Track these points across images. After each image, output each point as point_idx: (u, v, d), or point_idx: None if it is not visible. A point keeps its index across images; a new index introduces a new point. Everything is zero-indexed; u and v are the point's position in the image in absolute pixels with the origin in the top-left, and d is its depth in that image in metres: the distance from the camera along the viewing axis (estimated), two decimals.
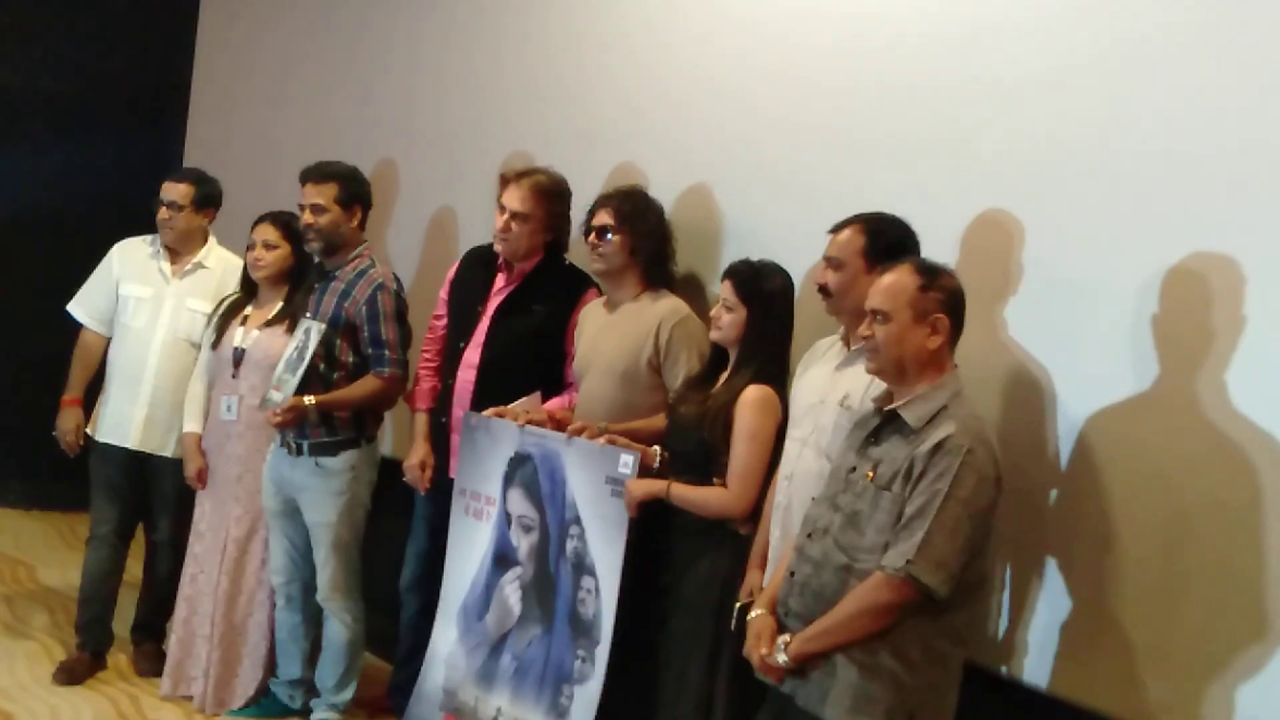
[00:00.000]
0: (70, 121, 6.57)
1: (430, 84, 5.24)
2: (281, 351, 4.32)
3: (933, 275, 2.85)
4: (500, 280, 4.16)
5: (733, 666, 3.31)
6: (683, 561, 3.47)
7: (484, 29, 5.00)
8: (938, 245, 3.29)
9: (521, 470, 3.79)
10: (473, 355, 4.11)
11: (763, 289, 3.46)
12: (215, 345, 4.49)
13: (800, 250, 3.67)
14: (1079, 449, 3.10)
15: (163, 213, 4.67)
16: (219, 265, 4.77)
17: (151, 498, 4.75)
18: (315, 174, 4.25)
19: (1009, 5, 3.35)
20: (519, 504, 3.79)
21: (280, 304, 4.45)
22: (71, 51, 6.72)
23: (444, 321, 4.33)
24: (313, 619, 4.41)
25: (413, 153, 5.33)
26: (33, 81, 6.62)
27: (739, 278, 3.49)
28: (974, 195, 3.36)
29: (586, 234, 3.87)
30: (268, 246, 4.44)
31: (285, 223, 4.47)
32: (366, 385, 4.19)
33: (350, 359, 4.19)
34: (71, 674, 4.64)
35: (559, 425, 3.79)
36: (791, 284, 3.51)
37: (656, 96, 4.28)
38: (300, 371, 4.13)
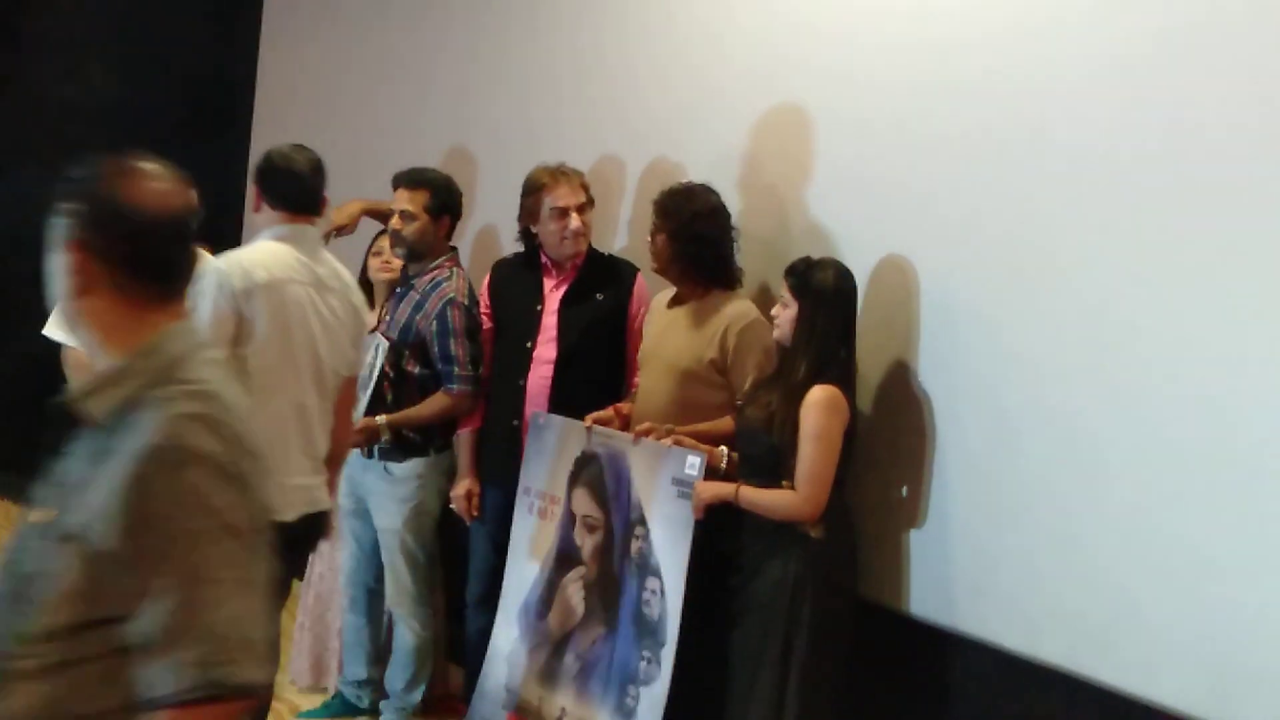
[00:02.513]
0: (136, 132, 6.76)
1: (486, 88, 5.34)
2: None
3: None
4: (551, 279, 4.25)
5: (803, 671, 3.37)
6: (753, 564, 3.50)
7: (537, 35, 5.10)
8: (992, 240, 3.39)
9: (587, 470, 3.86)
10: (546, 351, 4.20)
11: (814, 283, 3.50)
12: None
13: (865, 248, 3.75)
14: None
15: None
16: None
17: None
18: (408, 179, 4.34)
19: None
20: (584, 503, 3.86)
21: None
22: (136, 63, 6.91)
23: (488, 328, 4.38)
24: (377, 621, 4.52)
25: (469, 159, 5.44)
26: (99, 93, 6.83)
27: (793, 273, 3.54)
28: (1038, 191, 3.39)
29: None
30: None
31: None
32: (436, 403, 4.27)
33: (418, 371, 4.28)
34: None
35: (625, 424, 3.89)
36: (849, 280, 3.54)
37: (709, 98, 4.35)
38: (369, 390, 4.26)
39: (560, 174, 4.21)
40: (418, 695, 4.45)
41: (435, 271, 4.32)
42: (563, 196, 4.17)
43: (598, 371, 4.10)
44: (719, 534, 3.55)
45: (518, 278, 4.34)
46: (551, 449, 3.98)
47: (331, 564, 4.72)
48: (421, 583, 4.39)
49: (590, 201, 4.23)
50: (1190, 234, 3.09)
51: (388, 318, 4.35)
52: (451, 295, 4.26)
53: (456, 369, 4.24)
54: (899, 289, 3.69)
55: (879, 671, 3.72)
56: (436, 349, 4.24)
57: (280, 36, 6.90)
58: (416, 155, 5.65)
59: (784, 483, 3.45)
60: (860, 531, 3.71)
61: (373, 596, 4.49)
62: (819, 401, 3.42)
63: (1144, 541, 3.14)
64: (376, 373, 4.28)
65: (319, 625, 4.76)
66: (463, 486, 4.33)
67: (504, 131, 5.24)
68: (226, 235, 6.87)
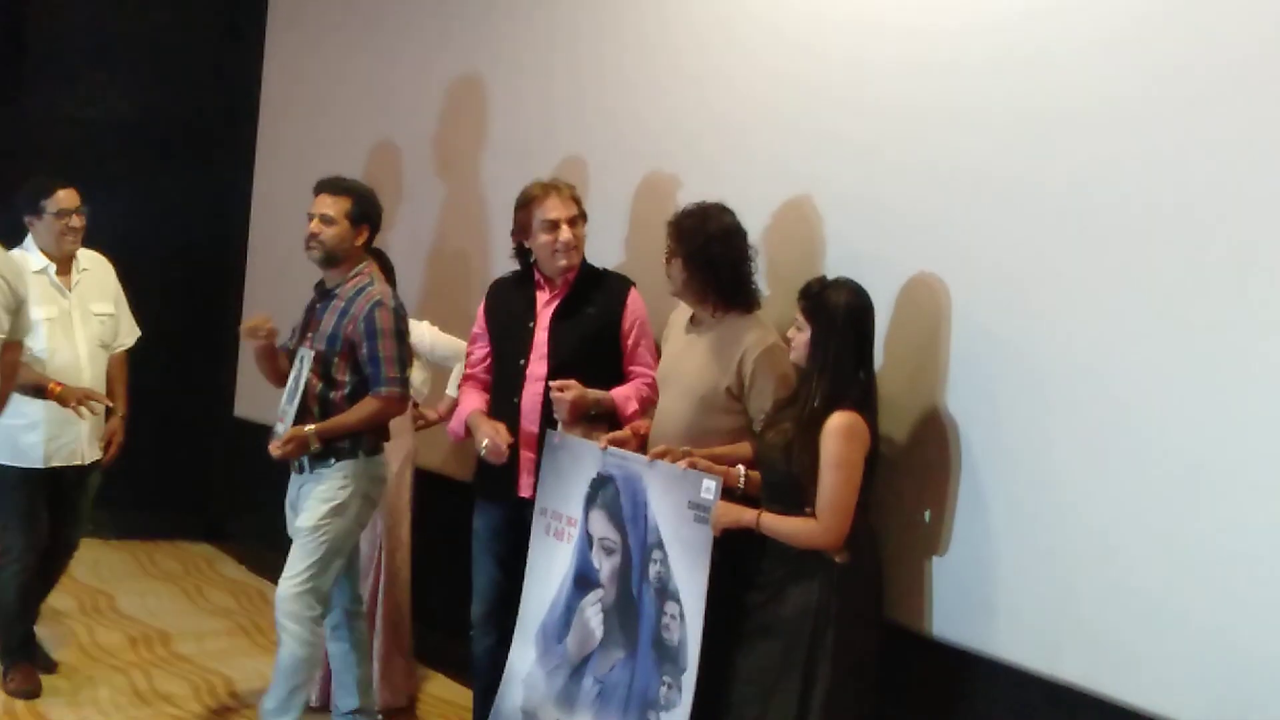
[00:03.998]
0: (140, 147, 6.87)
1: (487, 109, 5.41)
2: None
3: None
4: (544, 295, 4.27)
5: (828, 699, 3.40)
6: (775, 585, 3.52)
7: (536, 50, 5.18)
8: (1022, 263, 3.42)
9: (603, 491, 3.89)
10: (538, 367, 4.20)
11: (826, 304, 3.50)
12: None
13: (892, 270, 3.78)
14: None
15: (75, 221, 4.86)
16: (93, 264, 4.99)
17: (74, 508, 4.96)
18: (331, 186, 4.38)
19: (1075, 26, 3.42)
20: (601, 526, 3.89)
21: None
22: (141, 78, 7.00)
23: (485, 350, 4.41)
24: (361, 645, 4.51)
25: (469, 181, 5.49)
26: (105, 115, 6.92)
27: (806, 295, 3.55)
28: (1069, 215, 3.42)
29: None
30: None
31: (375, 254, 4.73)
32: (365, 408, 4.28)
33: (348, 378, 4.28)
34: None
35: (642, 444, 3.91)
36: (863, 301, 3.53)
37: (709, 120, 4.41)
38: (296, 401, 4.28)
39: (551, 187, 4.25)
40: (291, 718, 4.31)
41: (357, 279, 4.35)
42: (553, 209, 4.19)
43: (590, 386, 4.10)
44: (738, 555, 3.57)
45: (512, 295, 4.37)
46: (567, 470, 4.01)
47: None
48: (312, 589, 4.27)
49: (582, 215, 4.24)
50: (1204, 254, 3.12)
51: (311, 332, 4.36)
52: (379, 298, 4.29)
53: (384, 370, 4.26)
54: (928, 310, 3.72)
55: (902, 694, 3.75)
56: (365, 351, 4.25)
57: (284, 52, 6.99)
58: (414, 170, 5.74)
59: (806, 510, 3.46)
60: (883, 554, 3.75)
61: (353, 619, 4.49)
62: (838, 428, 3.42)
63: (1169, 563, 3.17)
64: (302, 384, 4.28)
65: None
66: (485, 433, 4.21)
67: (500, 146, 5.31)
68: (232, 246, 6.98)
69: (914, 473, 3.76)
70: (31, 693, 4.84)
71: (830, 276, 3.65)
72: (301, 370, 4.32)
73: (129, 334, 5.16)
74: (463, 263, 5.50)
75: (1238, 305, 3.06)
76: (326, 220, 4.34)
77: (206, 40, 7.18)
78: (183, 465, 6.80)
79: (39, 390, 4.58)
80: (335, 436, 4.27)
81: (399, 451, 4.82)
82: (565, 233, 4.19)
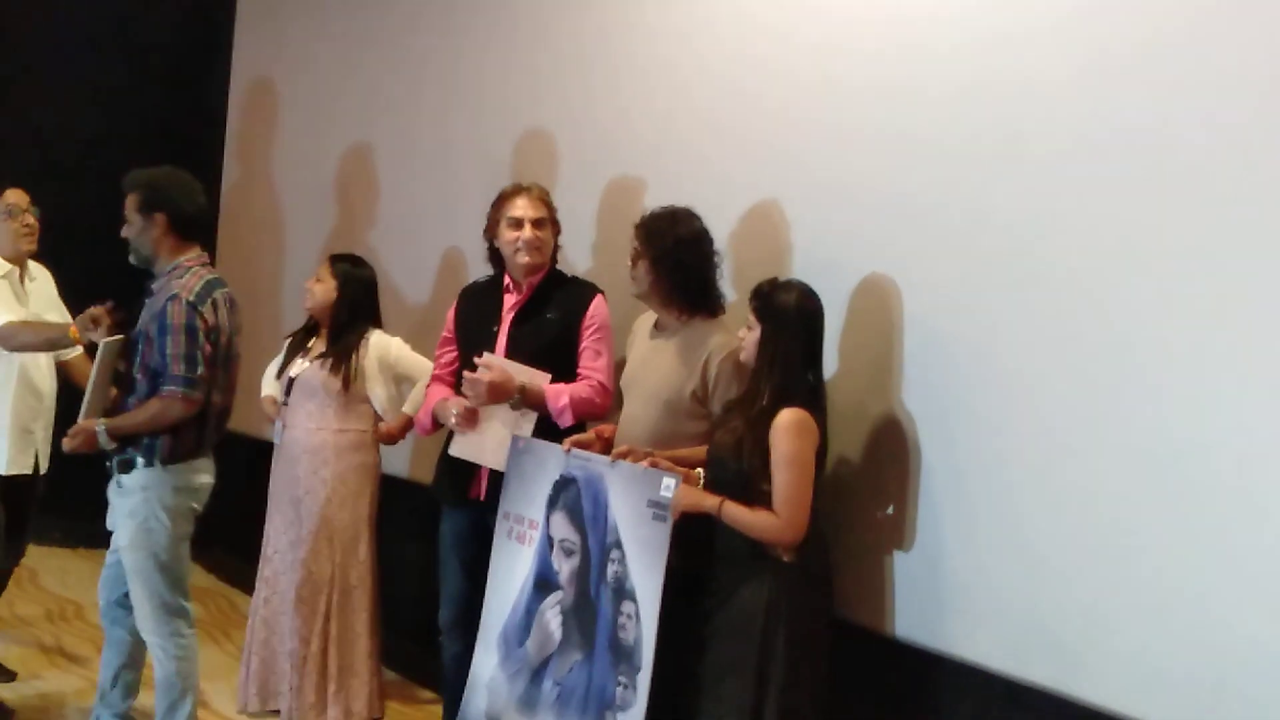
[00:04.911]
0: (108, 158, 6.91)
1: (470, 112, 5.46)
2: (329, 385, 4.76)
3: None
4: (510, 298, 4.32)
5: (781, 695, 3.43)
6: (726, 588, 3.55)
7: (518, 57, 5.23)
8: (989, 244, 3.47)
9: (565, 493, 3.92)
10: None
11: (775, 304, 3.55)
12: (280, 371, 4.91)
13: (849, 264, 3.84)
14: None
15: (29, 219, 4.85)
16: (40, 274, 5.00)
17: (24, 519, 4.94)
18: (125, 185, 4.28)
19: (1041, 53, 3.47)
20: (562, 527, 3.92)
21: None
22: (109, 91, 7.07)
23: (453, 353, 4.46)
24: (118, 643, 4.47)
25: (450, 184, 5.54)
26: (71, 120, 6.97)
27: (757, 295, 3.60)
28: (1026, 195, 3.47)
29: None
30: (318, 280, 4.86)
31: (339, 263, 4.88)
32: (149, 407, 4.11)
33: (144, 376, 4.18)
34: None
35: (607, 448, 3.94)
36: (813, 302, 3.58)
37: (691, 112, 4.45)
38: (89, 393, 4.24)
39: (524, 188, 4.32)
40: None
41: (174, 272, 4.21)
42: (519, 207, 4.26)
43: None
44: (690, 555, 3.60)
45: (480, 299, 4.43)
46: (530, 473, 4.04)
47: (275, 588, 4.82)
48: (159, 605, 4.23)
49: (552, 220, 4.30)
50: (1177, 244, 3.15)
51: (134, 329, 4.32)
52: (175, 291, 4.13)
53: (170, 368, 4.08)
54: (884, 305, 3.78)
55: (864, 694, 3.78)
56: (155, 347, 4.12)
57: (252, 51, 7.05)
58: (388, 179, 5.78)
59: (755, 507, 3.49)
60: (843, 553, 3.77)
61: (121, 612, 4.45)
62: (788, 425, 3.46)
63: (1131, 562, 3.21)
64: (94, 375, 4.26)
65: (265, 649, 4.84)
66: (452, 410, 4.26)
67: (467, 150, 5.39)
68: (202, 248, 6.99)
69: (873, 472, 3.81)
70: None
71: (793, 280, 3.69)
72: (98, 361, 4.28)
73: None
74: (436, 266, 5.53)
75: (1211, 306, 3.10)
76: (125, 220, 4.29)
77: (174, 40, 7.23)
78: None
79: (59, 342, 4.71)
80: (128, 438, 4.14)
81: (356, 468, 4.84)
82: (528, 231, 4.24)
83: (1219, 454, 3.04)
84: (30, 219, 4.89)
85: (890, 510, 3.75)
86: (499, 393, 4.13)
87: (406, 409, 4.85)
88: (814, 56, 4.04)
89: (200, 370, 4.12)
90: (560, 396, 4.14)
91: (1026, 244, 3.45)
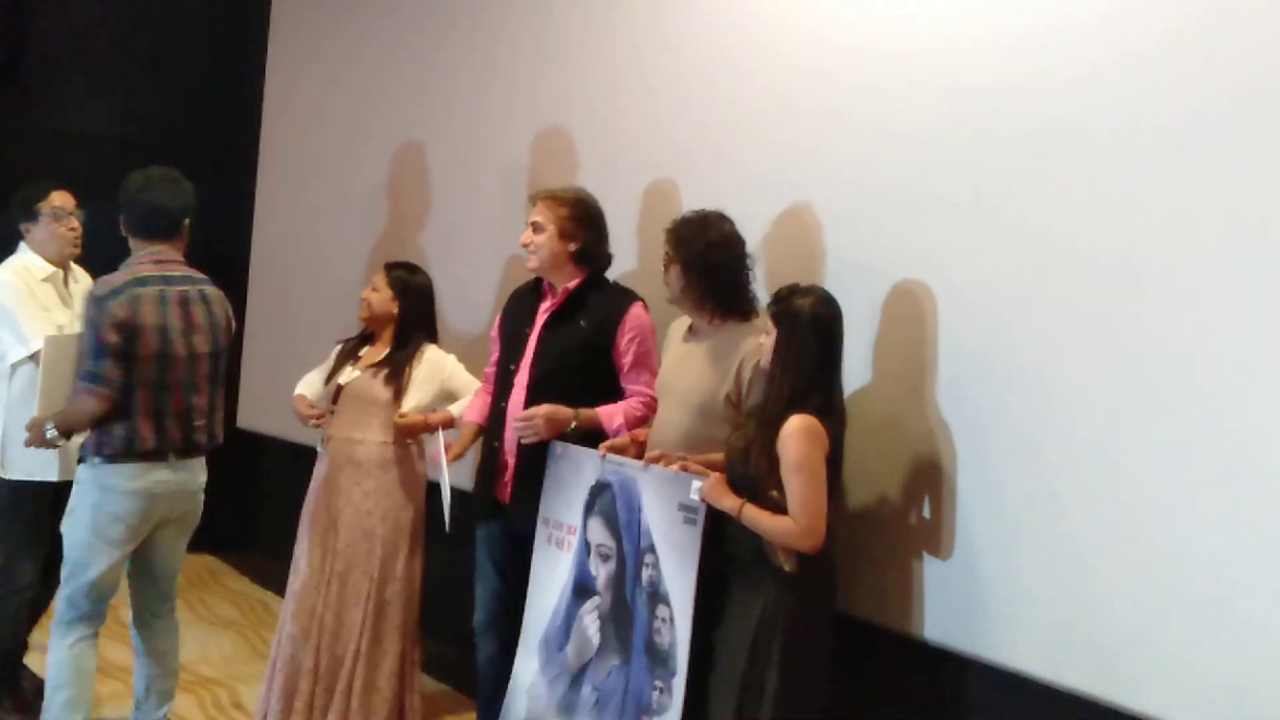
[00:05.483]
0: (141, 160, 7.00)
1: (498, 121, 5.50)
2: (378, 396, 4.74)
3: None
4: (545, 303, 4.37)
5: (773, 706, 3.47)
6: (732, 593, 3.61)
7: (546, 62, 5.27)
8: (1027, 247, 3.51)
9: (601, 498, 3.97)
10: (522, 376, 4.32)
11: (790, 309, 3.57)
12: (329, 378, 4.91)
13: (884, 268, 3.87)
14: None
15: (73, 222, 4.90)
16: (83, 278, 5.01)
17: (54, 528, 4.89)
18: None
19: (1075, 49, 3.49)
20: (598, 533, 3.97)
21: (386, 350, 4.85)
22: (145, 100, 7.15)
23: (495, 358, 4.52)
24: (152, 653, 4.55)
25: (479, 192, 5.59)
26: (105, 128, 7.05)
27: (774, 299, 3.63)
28: (1065, 197, 3.48)
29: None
30: (373, 290, 4.86)
31: (394, 271, 4.89)
32: (70, 402, 4.22)
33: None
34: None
35: (641, 452, 3.98)
36: (829, 308, 3.59)
37: (725, 115, 4.47)
38: (38, 386, 4.33)
39: (538, 194, 4.39)
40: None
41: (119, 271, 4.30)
42: (531, 212, 4.34)
43: (570, 398, 4.17)
44: (709, 558, 3.65)
45: (521, 302, 4.48)
46: (568, 479, 4.09)
47: (305, 601, 4.76)
48: (64, 596, 4.31)
49: (562, 225, 4.29)
50: (1222, 247, 3.15)
51: None
52: (90, 287, 4.24)
53: (81, 364, 4.18)
54: (919, 310, 3.80)
55: (892, 697, 3.81)
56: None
57: (285, 60, 7.10)
58: (419, 178, 5.83)
59: (774, 512, 3.52)
60: (876, 558, 3.82)
61: (141, 626, 4.57)
62: (796, 431, 3.48)
63: (1165, 566, 3.22)
64: (41, 370, 4.35)
65: (290, 664, 4.77)
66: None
67: (514, 153, 5.39)
68: (234, 257, 7.09)
69: (907, 478, 3.83)
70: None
71: (825, 285, 3.72)
72: (43, 357, 4.37)
73: None
74: (476, 271, 5.57)
75: (1250, 308, 3.11)
76: None
77: (207, 49, 7.30)
78: None
79: None
80: (71, 432, 4.24)
81: (400, 482, 4.83)
82: (525, 234, 4.32)
83: (1262, 460, 3.05)
84: (75, 222, 4.92)
85: (926, 515, 3.78)
86: (555, 425, 4.16)
87: (453, 409, 4.83)
88: (849, 58, 4.06)
89: (102, 365, 4.12)
90: (614, 418, 4.18)
91: (1066, 247, 3.46)
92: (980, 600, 3.63)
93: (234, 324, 4.49)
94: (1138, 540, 3.28)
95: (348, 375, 4.84)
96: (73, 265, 5.01)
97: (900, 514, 3.84)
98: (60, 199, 4.92)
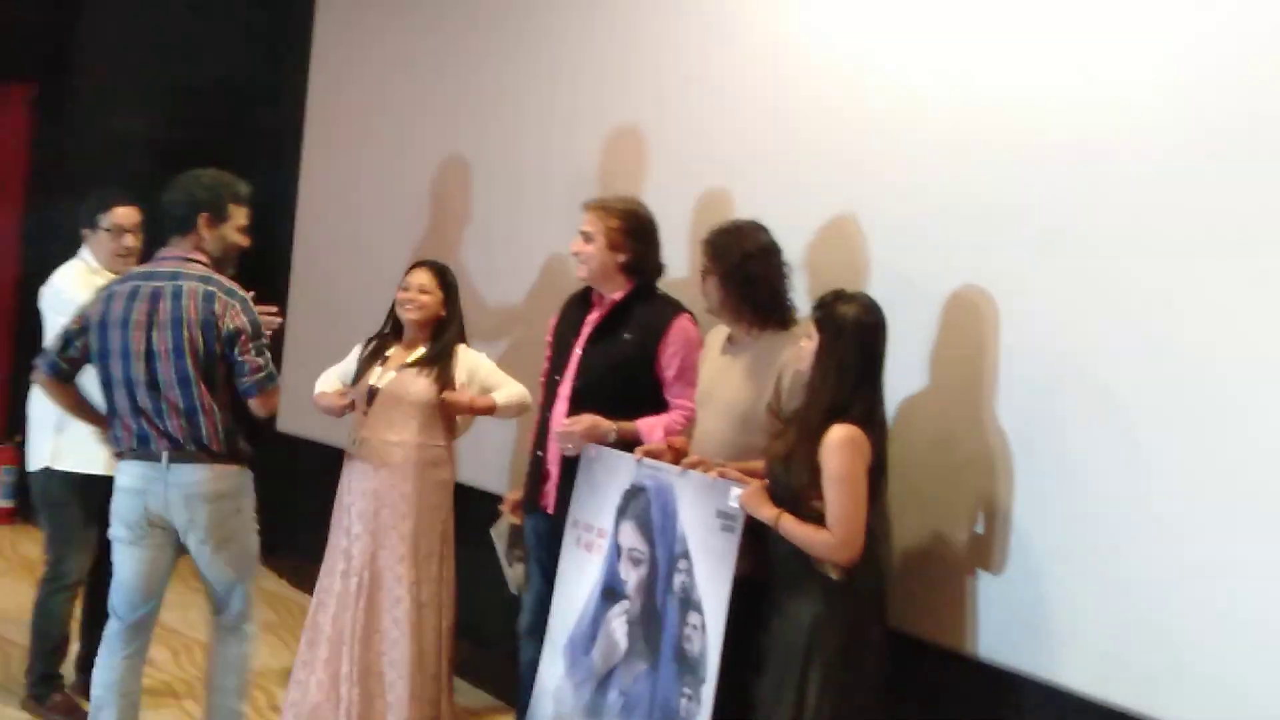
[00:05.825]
0: (185, 167, 7.10)
1: (540, 126, 5.52)
2: (419, 395, 4.71)
3: None
4: (593, 314, 4.37)
5: (819, 711, 3.44)
6: (777, 602, 3.58)
7: (594, 72, 5.27)
8: (1083, 257, 3.47)
9: (635, 502, 3.96)
10: (565, 387, 4.33)
11: (834, 315, 3.54)
12: (356, 380, 4.87)
13: (940, 277, 3.83)
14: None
15: (129, 240, 4.95)
16: None
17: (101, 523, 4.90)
18: None
19: (1128, 60, 3.46)
20: (630, 536, 3.95)
21: (422, 348, 4.82)
22: (190, 105, 7.24)
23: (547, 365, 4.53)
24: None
25: (521, 195, 5.59)
26: (150, 130, 7.14)
27: (817, 305, 3.61)
28: (1122, 209, 3.44)
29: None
30: (423, 291, 4.81)
31: (440, 270, 4.88)
32: None
33: None
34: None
35: (678, 456, 3.96)
36: (873, 315, 3.56)
37: (775, 130, 4.46)
38: None
39: (590, 203, 4.37)
40: None
41: None
42: (581, 223, 4.32)
43: (611, 414, 4.16)
44: (755, 566, 3.62)
45: (571, 311, 4.49)
46: (601, 481, 4.08)
47: (335, 603, 4.75)
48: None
49: (612, 236, 4.27)
50: (1271, 262, 3.10)
51: None
52: None
53: None
54: (973, 321, 3.76)
55: (944, 714, 3.77)
56: None
57: (330, 59, 7.14)
58: (460, 183, 5.84)
59: (810, 523, 3.49)
60: (926, 571, 3.79)
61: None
62: (837, 442, 3.46)
63: (1222, 586, 3.16)
64: None
65: (325, 669, 4.75)
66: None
67: (555, 161, 5.39)
68: (277, 256, 7.13)
69: (959, 491, 3.79)
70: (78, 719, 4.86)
71: (871, 293, 3.70)
72: None
73: None
74: (523, 276, 5.58)
75: None
76: None
77: (253, 48, 7.35)
78: None
79: None
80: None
81: (436, 484, 4.84)
82: (576, 243, 4.32)
83: None
84: (131, 241, 4.97)
85: (978, 530, 3.73)
86: (593, 438, 4.16)
87: (498, 396, 4.81)
88: (896, 69, 4.05)
89: (51, 346, 4.26)
90: (654, 430, 4.16)
91: (1125, 258, 3.41)
92: (1033, 617, 3.58)
93: (224, 321, 4.07)
94: (1188, 561, 3.23)
95: (381, 376, 4.81)
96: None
97: (951, 528, 3.80)
98: (120, 216, 4.96)
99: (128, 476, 4.18)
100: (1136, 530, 3.34)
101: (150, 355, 4.07)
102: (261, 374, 4.09)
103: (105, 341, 4.11)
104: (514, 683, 4.66)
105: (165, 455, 4.09)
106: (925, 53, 3.97)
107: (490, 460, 5.40)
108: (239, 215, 4.24)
